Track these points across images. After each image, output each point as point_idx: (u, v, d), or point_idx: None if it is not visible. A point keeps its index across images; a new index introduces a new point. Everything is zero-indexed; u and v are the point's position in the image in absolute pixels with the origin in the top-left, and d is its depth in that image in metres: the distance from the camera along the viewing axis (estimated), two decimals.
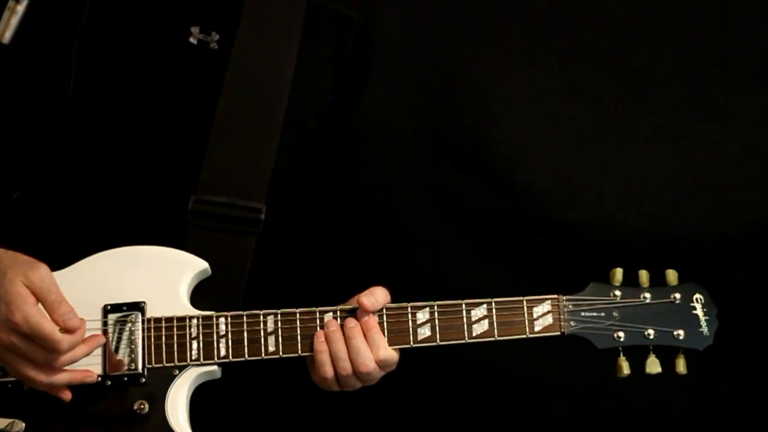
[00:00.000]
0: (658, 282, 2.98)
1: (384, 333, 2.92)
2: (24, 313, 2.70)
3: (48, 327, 2.71)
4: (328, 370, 2.90)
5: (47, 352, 2.73)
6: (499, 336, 2.92)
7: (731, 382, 4.10)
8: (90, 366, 2.86)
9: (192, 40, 3.04)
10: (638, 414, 4.12)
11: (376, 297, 2.93)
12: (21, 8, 2.60)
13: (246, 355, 2.89)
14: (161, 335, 2.90)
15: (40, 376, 2.76)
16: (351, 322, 2.92)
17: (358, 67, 3.25)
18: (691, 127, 4.15)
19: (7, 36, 2.60)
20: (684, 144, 4.14)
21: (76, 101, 2.96)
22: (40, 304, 2.73)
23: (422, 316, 2.93)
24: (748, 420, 4.14)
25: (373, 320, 2.92)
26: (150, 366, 2.88)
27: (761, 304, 4.12)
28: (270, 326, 2.90)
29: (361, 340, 2.90)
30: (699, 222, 4.12)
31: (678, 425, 4.15)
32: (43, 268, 2.75)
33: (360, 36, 3.23)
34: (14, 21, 2.60)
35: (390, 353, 2.92)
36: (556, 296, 2.95)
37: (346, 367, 2.90)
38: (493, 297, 2.97)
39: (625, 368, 2.93)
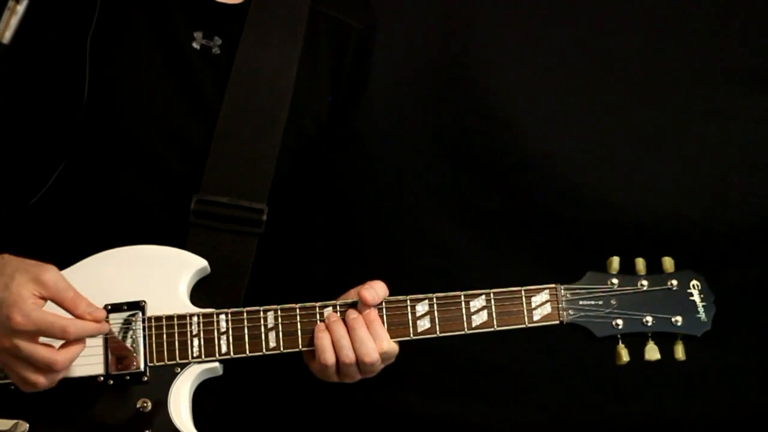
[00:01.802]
0: (654, 269, 2.97)
1: (384, 325, 2.92)
2: (24, 311, 2.68)
3: (51, 316, 2.70)
4: (329, 357, 2.89)
5: (48, 353, 2.72)
6: (498, 326, 2.91)
7: (731, 382, 4.10)
8: (92, 366, 2.87)
9: (195, 44, 3.06)
10: (638, 414, 4.12)
11: (376, 290, 2.93)
12: (21, 8, 2.59)
13: (247, 351, 2.90)
14: (162, 333, 2.90)
15: (41, 379, 2.75)
16: (353, 314, 2.92)
17: (358, 74, 3.27)
18: (691, 127, 4.15)
19: (7, 36, 2.58)
20: (684, 144, 4.15)
21: (91, 104, 2.97)
22: (40, 301, 2.72)
23: (421, 308, 2.93)
24: (748, 420, 4.14)
25: (374, 313, 2.93)
26: (152, 364, 2.89)
27: (761, 303, 4.12)
28: (270, 322, 2.91)
29: (364, 330, 2.90)
30: (699, 222, 4.12)
31: (678, 425, 4.15)
32: (53, 269, 2.74)
33: (360, 44, 3.26)
34: (14, 21, 2.59)
35: (392, 345, 2.92)
36: (554, 285, 2.95)
37: (349, 355, 2.89)
38: None
39: (624, 355, 2.92)
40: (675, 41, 4.15)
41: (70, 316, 2.73)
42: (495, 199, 4.13)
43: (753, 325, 4.09)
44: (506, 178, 4.13)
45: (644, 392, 4.00)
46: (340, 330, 2.90)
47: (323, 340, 2.90)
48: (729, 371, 4.00)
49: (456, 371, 4.08)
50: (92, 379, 2.88)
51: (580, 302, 2.92)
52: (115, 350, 2.87)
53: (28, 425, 2.86)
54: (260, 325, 2.91)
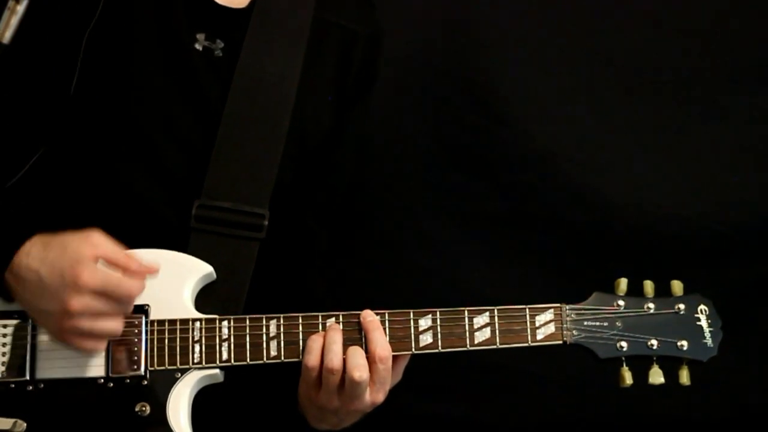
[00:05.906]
0: (663, 293, 2.96)
1: (386, 338, 2.89)
2: (90, 269, 2.71)
3: (116, 275, 2.75)
4: (313, 359, 2.85)
5: (117, 302, 2.76)
6: (501, 344, 2.90)
7: (731, 382, 4.09)
8: (93, 367, 2.88)
9: (197, 46, 3.05)
10: (638, 414, 4.12)
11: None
12: (21, 8, 2.60)
13: (248, 359, 2.89)
14: (164, 338, 2.90)
15: (115, 325, 2.79)
16: (370, 316, 2.90)
17: (366, 78, 3.26)
18: (691, 127, 4.16)
19: (7, 36, 2.60)
20: (684, 143, 4.16)
21: (78, 100, 2.96)
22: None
23: (424, 323, 2.91)
24: (748, 420, 4.16)
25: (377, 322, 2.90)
26: (152, 368, 2.88)
27: (761, 303, 4.13)
28: (272, 331, 2.90)
29: (381, 332, 2.87)
30: (699, 222, 4.13)
31: (678, 425, 4.16)
32: (97, 231, 2.78)
33: (368, 49, 3.24)
34: (14, 21, 2.60)
35: (388, 366, 2.88)
36: (559, 305, 2.93)
37: (333, 359, 2.83)
38: (494, 297, 2.97)
39: (628, 378, 2.91)
40: (675, 41, 4.16)
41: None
42: (495, 199, 4.14)
43: (753, 325, 4.09)
44: (506, 178, 4.13)
45: (644, 392, 4.00)
46: (335, 335, 2.88)
47: (314, 342, 2.87)
48: (729, 371, 3.96)
49: (456, 371, 4.06)
50: (92, 380, 2.88)
51: (585, 323, 2.91)
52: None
53: (26, 425, 2.85)
54: (262, 333, 2.90)
